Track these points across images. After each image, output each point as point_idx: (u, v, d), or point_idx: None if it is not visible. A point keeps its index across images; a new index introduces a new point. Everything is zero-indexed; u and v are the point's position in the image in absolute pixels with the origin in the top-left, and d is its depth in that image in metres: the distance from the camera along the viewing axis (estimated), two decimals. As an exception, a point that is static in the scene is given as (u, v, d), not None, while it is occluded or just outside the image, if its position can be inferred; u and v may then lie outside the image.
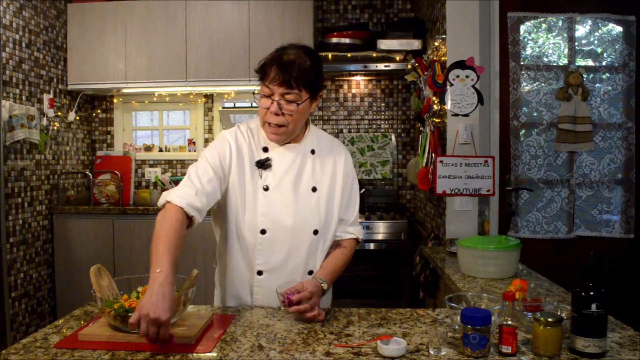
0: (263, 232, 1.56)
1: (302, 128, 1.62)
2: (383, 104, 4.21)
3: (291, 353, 1.19)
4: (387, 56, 3.69)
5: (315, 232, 1.59)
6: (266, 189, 1.57)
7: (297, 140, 1.62)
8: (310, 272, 1.61)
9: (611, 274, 2.52)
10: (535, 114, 2.79)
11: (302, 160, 1.61)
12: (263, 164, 1.57)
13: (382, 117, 4.22)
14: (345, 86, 4.22)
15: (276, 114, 1.49)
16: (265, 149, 1.60)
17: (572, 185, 2.77)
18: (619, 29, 2.80)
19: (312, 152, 1.64)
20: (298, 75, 1.46)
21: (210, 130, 4.28)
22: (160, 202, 1.45)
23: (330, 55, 3.73)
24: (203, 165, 1.53)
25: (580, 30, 2.82)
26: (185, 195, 1.43)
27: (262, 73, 1.51)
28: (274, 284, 1.51)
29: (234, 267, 1.62)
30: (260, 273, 1.59)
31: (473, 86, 2.61)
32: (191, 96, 4.22)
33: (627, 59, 2.76)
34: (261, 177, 1.58)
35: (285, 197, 1.57)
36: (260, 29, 3.73)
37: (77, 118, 4.03)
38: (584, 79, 2.75)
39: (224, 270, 1.65)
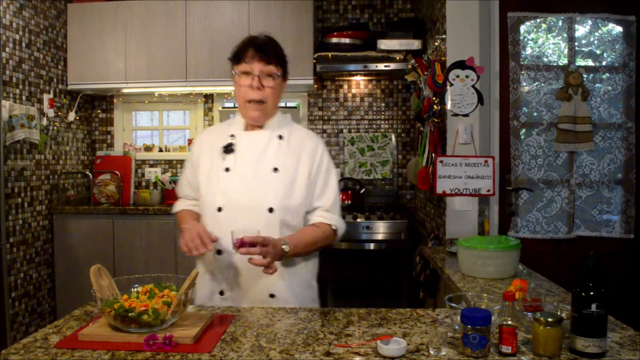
0: (219, 209, 1.60)
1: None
2: (383, 104, 4.21)
3: (291, 353, 1.20)
4: (387, 56, 3.69)
5: (271, 210, 1.59)
6: (227, 169, 1.64)
7: (263, 126, 1.71)
8: None
9: (611, 274, 2.52)
10: (535, 114, 2.79)
11: (266, 144, 1.67)
12: (227, 148, 1.66)
13: (382, 117, 4.22)
14: (345, 86, 4.22)
15: (258, 89, 1.60)
16: (232, 136, 1.69)
17: (572, 185, 2.77)
18: (619, 29, 2.80)
19: (280, 137, 1.69)
20: (274, 51, 1.63)
21: (210, 130, 4.28)
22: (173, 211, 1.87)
23: (330, 55, 3.73)
24: (183, 180, 1.84)
25: (580, 30, 2.82)
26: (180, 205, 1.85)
27: (239, 56, 1.62)
28: (233, 264, 1.57)
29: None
30: (219, 252, 1.61)
31: (473, 86, 2.61)
32: (191, 96, 4.22)
33: (627, 59, 2.76)
34: (224, 160, 1.65)
35: (243, 177, 1.63)
36: (260, 29, 3.65)
37: (77, 118, 4.03)
38: (584, 79, 2.75)
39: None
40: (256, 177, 1.62)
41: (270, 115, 1.68)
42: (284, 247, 1.51)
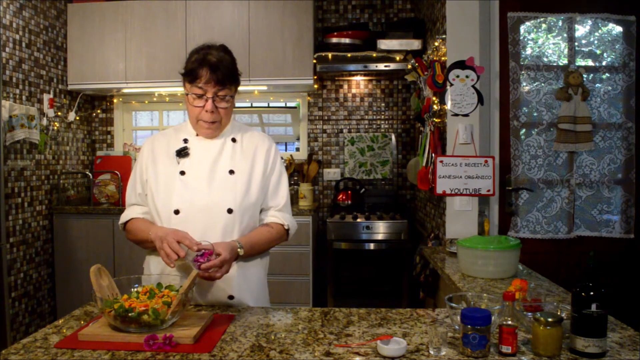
0: (177, 212, 1.59)
1: None
2: (383, 104, 4.21)
3: (291, 353, 1.19)
4: (387, 56, 3.69)
5: (230, 210, 1.59)
6: (182, 173, 1.63)
7: None
8: None
9: (611, 274, 2.52)
10: (535, 114, 2.79)
11: (221, 147, 1.67)
12: (180, 153, 1.65)
13: (382, 117, 4.22)
14: (345, 86, 4.22)
15: (212, 112, 1.59)
16: (186, 140, 1.68)
17: (572, 185, 2.77)
18: (619, 29, 2.80)
19: (233, 140, 1.70)
20: (227, 73, 1.58)
21: (210, 130, 4.28)
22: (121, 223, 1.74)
23: (330, 55, 3.73)
24: (131, 193, 1.73)
25: (580, 30, 2.82)
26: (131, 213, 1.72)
27: (193, 75, 1.58)
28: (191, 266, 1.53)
29: (156, 254, 1.63)
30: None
31: (473, 86, 2.61)
32: (191, 96, 4.21)
33: (627, 59, 2.76)
34: (179, 163, 1.64)
35: (200, 179, 1.62)
36: (260, 29, 3.73)
37: (77, 118, 4.03)
38: (584, 79, 2.75)
39: (150, 258, 1.71)
40: (213, 179, 1.62)
41: (223, 128, 1.68)
42: (239, 250, 1.53)
